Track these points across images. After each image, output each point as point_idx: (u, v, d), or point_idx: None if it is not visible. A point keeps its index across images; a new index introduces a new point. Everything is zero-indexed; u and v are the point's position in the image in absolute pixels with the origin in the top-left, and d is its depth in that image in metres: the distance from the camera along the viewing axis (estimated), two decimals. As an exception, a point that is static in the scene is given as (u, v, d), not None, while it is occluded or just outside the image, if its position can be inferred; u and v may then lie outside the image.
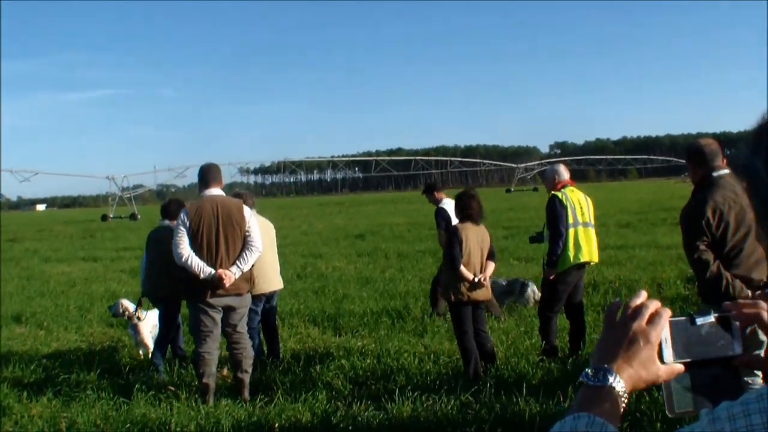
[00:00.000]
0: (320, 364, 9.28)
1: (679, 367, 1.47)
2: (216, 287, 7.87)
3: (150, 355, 9.97)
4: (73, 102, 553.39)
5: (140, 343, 10.41)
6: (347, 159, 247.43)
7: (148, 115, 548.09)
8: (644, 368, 1.45)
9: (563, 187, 9.20)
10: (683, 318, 1.51)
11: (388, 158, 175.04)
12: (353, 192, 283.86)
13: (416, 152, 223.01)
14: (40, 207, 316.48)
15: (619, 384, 1.42)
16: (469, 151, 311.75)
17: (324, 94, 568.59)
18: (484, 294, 8.67)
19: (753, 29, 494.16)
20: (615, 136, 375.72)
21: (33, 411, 7.85)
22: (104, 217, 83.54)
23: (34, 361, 10.29)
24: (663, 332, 1.47)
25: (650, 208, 41.27)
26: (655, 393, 6.54)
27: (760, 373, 4.45)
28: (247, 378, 8.28)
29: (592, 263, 9.44)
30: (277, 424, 7.01)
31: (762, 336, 1.79)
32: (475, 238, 8.61)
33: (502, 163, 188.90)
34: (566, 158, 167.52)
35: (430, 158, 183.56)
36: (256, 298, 9.24)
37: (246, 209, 8.27)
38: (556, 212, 8.89)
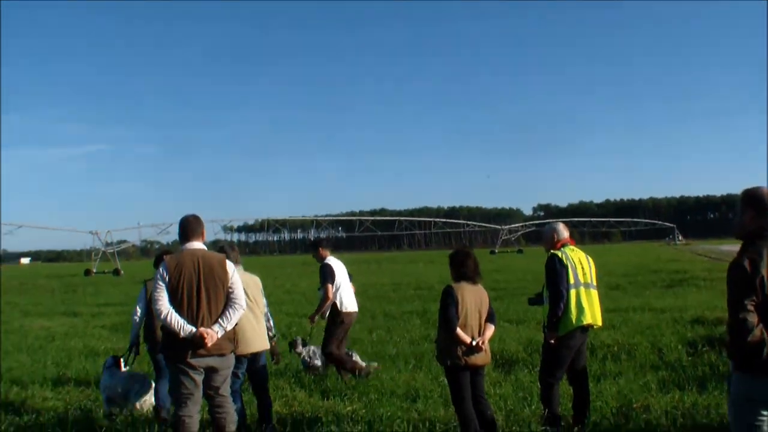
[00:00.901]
0: (309, 430, 8.67)
1: None
2: (197, 347, 7.32)
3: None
4: (55, 157, 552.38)
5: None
6: (331, 219, 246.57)
7: (131, 172, 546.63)
8: None
9: (563, 246, 8.79)
10: None
11: (372, 218, 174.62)
12: (337, 251, 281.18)
13: (400, 213, 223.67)
14: (25, 260, 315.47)
15: None
16: (453, 212, 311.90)
17: (306, 153, 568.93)
18: (483, 358, 8.14)
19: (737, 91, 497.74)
20: (598, 199, 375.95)
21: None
22: (87, 272, 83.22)
23: (4, 422, 9.71)
24: None
25: (638, 271, 41.14)
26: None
27: None
28: None
29: (595, 326, 8.77)
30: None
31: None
32: (473, 298, 8.13)
33: (486, 225, 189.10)
34: (549, 220, 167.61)
35: (413, 218, 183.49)
36: (237, 361, 8.64)
37: (229, 264, 7.79)
38: (556, 272, 8.43)
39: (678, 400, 9.52)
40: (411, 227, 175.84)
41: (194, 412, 7.47)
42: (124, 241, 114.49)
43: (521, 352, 13.88)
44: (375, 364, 12.72)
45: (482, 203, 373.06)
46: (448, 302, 8.01)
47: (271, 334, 9.60)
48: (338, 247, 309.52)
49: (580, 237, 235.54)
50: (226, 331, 7.48)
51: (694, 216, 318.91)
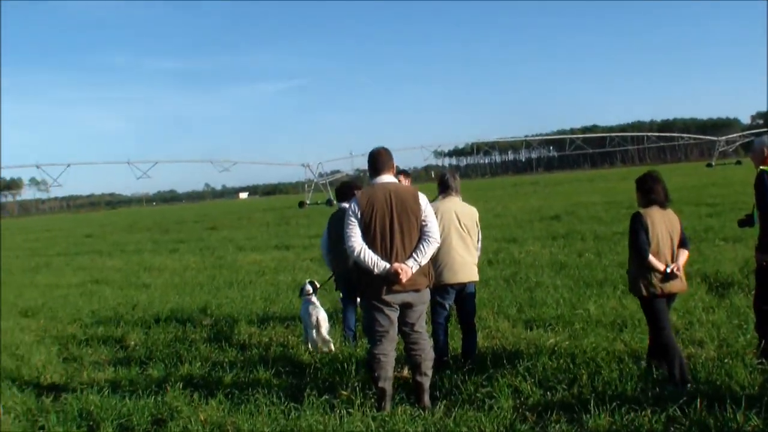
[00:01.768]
0: (508, 364, 8.45)
1: None
2: (392, 283, 7.20)
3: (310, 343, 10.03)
4: (267, 92, 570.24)
5: (310, 327, 10.12)
6: (541, 138, 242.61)
7: (344, 102, 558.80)
8: None
9: None
10: None
11: (583, 136, 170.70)
12: (548, 171, 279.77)
13: (611, 129, 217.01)
14: (243, 195, 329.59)
15: None
16: (666, 125, 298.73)
17: (513, 72, 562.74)
18: (680, 285, 7.79)
19: None
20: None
21: (201, 415, 7.45)
22: (301, 204, 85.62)
23: (210, 359, 10.05)
24: None
25: None
26: None
27: None
28: (427, 382, 7.58)
29: None
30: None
31: None
32: (663, 223, 7.75)
33: (701, 137, 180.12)
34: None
35: (626, 134, 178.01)
36: (444, 291, 8.60)
37: (422, 196, 7.56)
38: (766, 190, 7.74)
39: None
40: (623, 143, 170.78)
41: (390, 349, 7.42)
42: (338, 171, 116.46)
43: (737, 273, 13.14)
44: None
45: (697, 114, 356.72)
46: (638, 229, 7.68)
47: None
48: (550, 166, 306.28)
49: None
50: (420, 265, 7.30)
51: None
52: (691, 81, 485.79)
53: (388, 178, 7.61)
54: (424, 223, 7.42)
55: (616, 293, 12.28)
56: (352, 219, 7.37)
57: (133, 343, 11.78)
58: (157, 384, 8.83)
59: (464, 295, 8.94)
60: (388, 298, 7.28)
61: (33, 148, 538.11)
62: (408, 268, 7.19)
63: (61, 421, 7.85)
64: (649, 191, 7.86)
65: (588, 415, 6.56)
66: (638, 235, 7.65)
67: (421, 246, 7.34)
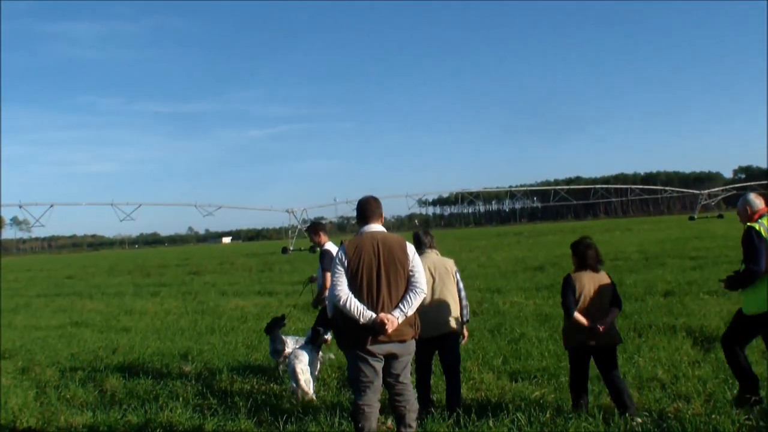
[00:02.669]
0: (493, 416, 8.36)
1: None
2: (377, 333, 7.10)
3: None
4: (254, 138, 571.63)
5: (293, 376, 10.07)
6: (525, 189, 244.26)
7: (328, 149, 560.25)
8: None
9: (760, 216, 8.29)
10: None
11: (567, 187, 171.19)
12: (532, 222, 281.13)
13: (595, 180, 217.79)
14: (226, 239, 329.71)
15: None
16: (650, 177, 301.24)
17: (499, 125, 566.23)
18: (607, 340, 8.37)
19: None
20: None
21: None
22: (284, 250, 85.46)
23: (190, 406, 9.94)
24: None
25: None
26: None
27: None
28: None
29: None
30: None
31: None
32: (592, 285, 8.40)
33: (684, 190, 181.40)
34: (752, 183, 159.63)
35: (609, 186, 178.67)
36: (422, 343, 8.46)
37: (410, 247, 7.52)
38: (754, 247, 8.01)
39: None
40: (607, 195, 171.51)
41: (374, 400, 7.28)
42: (322, 218, 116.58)
43: (722, 327, 13.05)
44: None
45: (680, 167, 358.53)
46: (566, 289, 8.38)
47: (465, 319, 9.25)
48: (534, 217, 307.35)
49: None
50: (407, 316, 7.23)
51: None
52: (674, 135, 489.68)
53: (376, 227, 7.54)
54: (411, 273, 7.35)
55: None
56: (339, 267, 7.28)
57: (111, 387, 11.60)
58: (136, 430, 8.69)
59: (446, 345, 8.98)
60: (373, 348, 7.15)
61: (16, 187, 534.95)
62: (394, 319, 7.10)
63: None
64: (582, 256, 8.52)
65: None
66: (566, 295, 8.35)
67: (408, 296, 7.27)
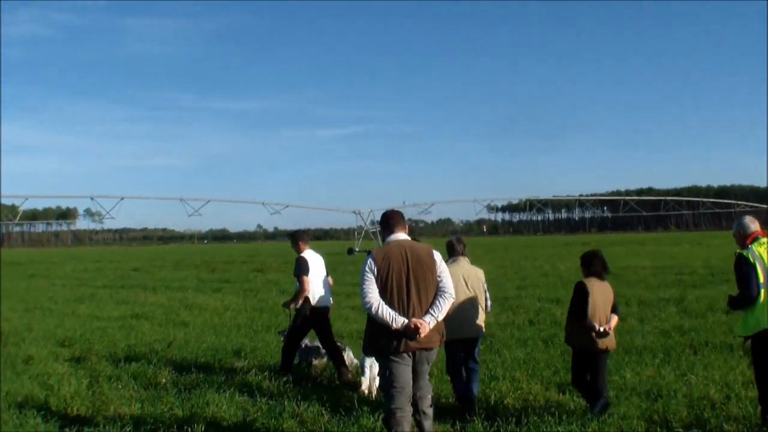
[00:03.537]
0: (534, 429, 8.30)
1: None
2: (410, 338, 7.34)
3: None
4: (323, 138, 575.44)
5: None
6: (595, 198, 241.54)
7: (397, 152, 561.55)
8: None
9: (754, 240, 8.48)
10: None
11: (637, 198, 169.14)
12: (601, 232, 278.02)
13: (667, 192, 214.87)
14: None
15: None
16: (723, 191, 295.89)
17: (572, 132, 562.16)
18: (608, 343, 9.11)
19: None
20: None
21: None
22: (350, 251, 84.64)
23: (235, 402, 10.01)
24: None
25: None
26: None
27: None
28: (427, 423, 7.79)
29: None
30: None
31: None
32: (600, 292, 9.11)
33: (757, 205, 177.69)
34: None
35: (681, 198, 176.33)
36: (452, 344, 9.33)
37: (436, 253, 7.79)
38: (742, 273, 8.25)
39: None
40: (678, 207, 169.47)
41: (406, 404, 7.47)
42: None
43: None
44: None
45: (755, 182, 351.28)
46: (580, 296, 9.03)
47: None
48: (603, 227, 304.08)
49: None
50: (437, 320, 7.48)
51: None
52: (750, 148, 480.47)
53: (402, 235, 7.82)
54: (439, 279, 7.62)
55: (655, 361, 12.07)
56: (369, 275, 7.49)
57: (164, 380, 11.77)
58: (181, 423, 8.82)
59: (471, 347, 9.72)
60: (404, 353, 7.41)
61: (88, 179, 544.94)
62: (426, 324, 7.32)
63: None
64: (590, 265, 9.31)
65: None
66: (579, 299, 9.00)
67: (438, 301, 7.52)
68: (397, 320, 7.28)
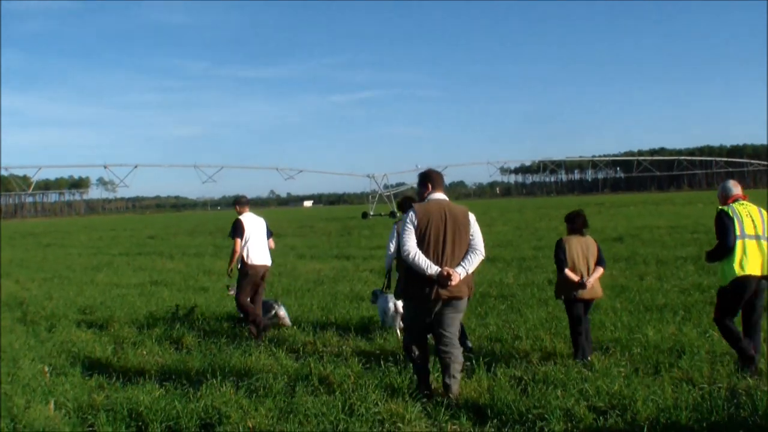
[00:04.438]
0: (561, 387, 8.31)
1: None
2: (442, 285, 7.94)
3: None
4: (337, 103, 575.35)
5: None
6: (608, 159, 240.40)
7: (411, 115, 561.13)
8: None
9: (735, 200, 9.45)
10: None
11: (651, 158, 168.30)
12: (614, 192, 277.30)
13: (680, 152, 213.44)
14: (308, 203, 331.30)
15: None
16: (736, 150, 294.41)
17: (584, 91, 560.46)
18: (591, 293, 9.99)
19: None
20: None
21: (249, 422, 7.43)
22: (364, 215, 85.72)
23: (262, 365, 10.05)
24: None
25: None
26: None
27: None
28: (455, 384, 8.24)
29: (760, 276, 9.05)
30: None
31: None
32: (579, 247, 10.05)
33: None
34: None
35: (694, 158, 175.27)
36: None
37: (471, 215, 8.40)
38: (723, 225, 9.17)
39: None
40: (691, 167, 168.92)
41: (424, 339, 8.41)
42: (403, 184, 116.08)
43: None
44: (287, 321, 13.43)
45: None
46: (557, 251, 10.08)
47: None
48: (616, 187, 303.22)
49: None
50: (468, 273, 8.09)
51: None
52: (762, 106, 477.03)
53: (441, 195, 8.44)
54: (472, 237, 8.27)
55: (676, 319, 12.12)
56: (410, 226, 8.11)
57: (186, 345, 11.86)
58: (198, 372, 9.04)
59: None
60: (432, 299, 8.03)
61: (102, 148, 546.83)
62: (457, 274, 7.94)
63: (110, 420, 7.88)
64: (573, 222, 10.25)
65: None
66: (557, 255, 10.05)
67: (469, 256, 8.18)
68: (432, 268, 7.90)
